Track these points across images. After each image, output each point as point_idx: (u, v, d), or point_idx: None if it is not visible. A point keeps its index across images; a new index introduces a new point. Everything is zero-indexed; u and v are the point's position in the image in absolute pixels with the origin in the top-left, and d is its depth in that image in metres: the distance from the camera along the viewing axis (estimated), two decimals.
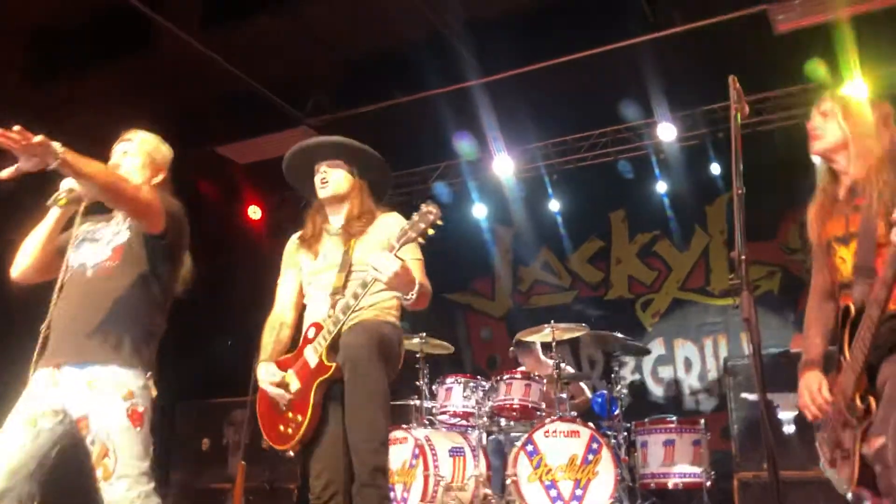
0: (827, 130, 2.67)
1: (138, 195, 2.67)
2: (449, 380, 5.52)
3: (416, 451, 5.10)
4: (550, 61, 6.14)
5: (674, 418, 5.51)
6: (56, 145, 2.39)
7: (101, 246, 2.81)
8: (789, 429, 5.05)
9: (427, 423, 5.53)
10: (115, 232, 2.84)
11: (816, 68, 5.98)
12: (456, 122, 7.13)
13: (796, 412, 5.01)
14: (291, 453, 2.92)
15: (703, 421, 5.49)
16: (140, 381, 2.65)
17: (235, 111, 7.26)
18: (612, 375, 5.62)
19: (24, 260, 2.78)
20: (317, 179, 3.19)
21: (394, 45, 6.35)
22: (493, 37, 6.03)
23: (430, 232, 2.69)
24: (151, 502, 2.56)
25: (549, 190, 7.98)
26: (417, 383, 5.62)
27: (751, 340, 2.11)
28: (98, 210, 2.89)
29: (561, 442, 4.80)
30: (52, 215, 2.77)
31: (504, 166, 7.62)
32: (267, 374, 2.97)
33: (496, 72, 6.34)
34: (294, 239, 3.26)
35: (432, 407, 5.58)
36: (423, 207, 2.72)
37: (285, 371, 2.98)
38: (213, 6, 6.01)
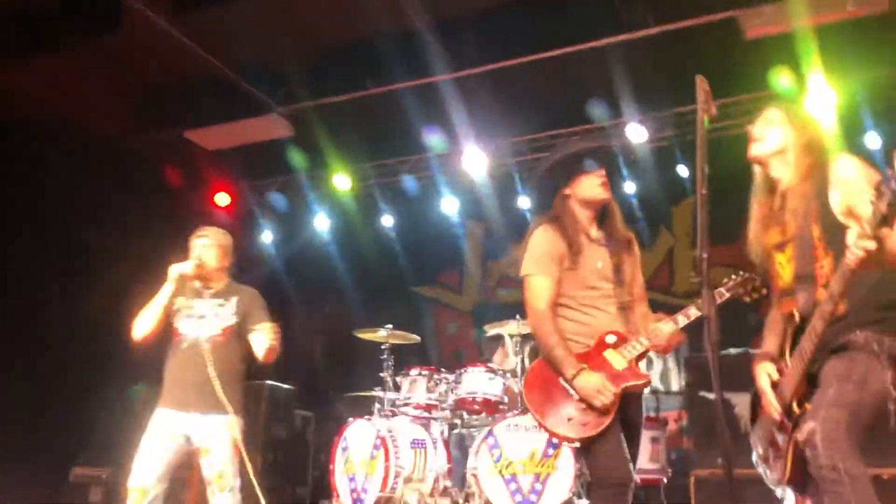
0: (768, 136, 2.74)
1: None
2: (413, 372, 5.53)
3: (378, 442, 5.11)
4: (521, 59, 6.15)
5: None
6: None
7: (209, 322, 3.79)
8: (745, 427, 5.13)
9: (390, 414, 5.54)
10: (219, 315, 3.82)
11: (781, 75, 6.09)
12: (427, 115, 7.13)
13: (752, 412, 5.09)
14: (578, 445, 2.94)
15: (662, 419, 5.56)
16: (241, 423, 3.74)
17: (205, 96, 7.19)
18: None
19: (145, 327, 3.78)
20: (597, 180, 3.16)
21: (367, 37, 6.32)
22: (464, 32, 6.02)
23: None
24: None
25: (519, 186, 8.02)
26: (381, 374, 5.63)
27: (709, 338, 2.15)
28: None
29: (523, 436, 4.83)
30: (165, 292, 3.77)
31: (475, 161, 7.63)
32: (595, 383, 2.86)
33: (467, 67, 6.33)
34: (554, 234, 3.11)
35: (396, 399, 5.58)
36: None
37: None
38: None
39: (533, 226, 3.22)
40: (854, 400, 2.30)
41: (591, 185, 3.16)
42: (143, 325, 3.80)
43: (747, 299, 2.96)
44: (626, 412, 2.94)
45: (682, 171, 7.38)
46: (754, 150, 2.77)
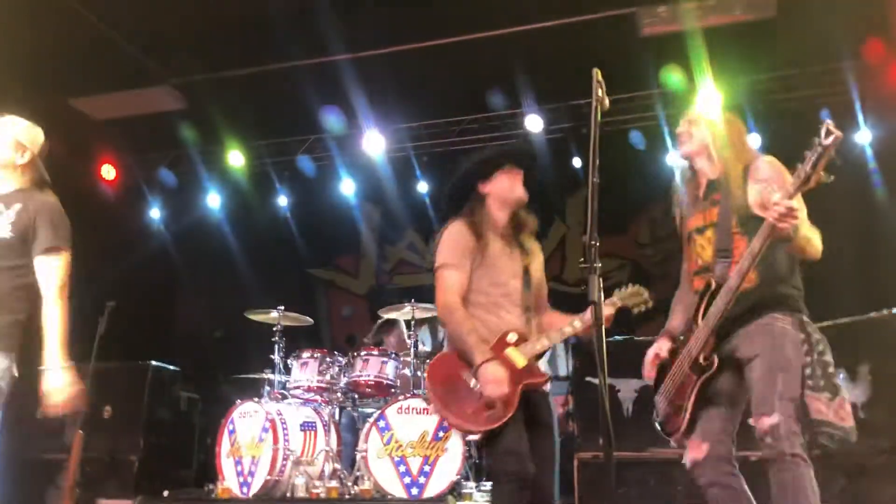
0: (694, 136, 3.08)
1: None
2: (305, 354, 5.45)
3: (267, 424, 5.03)
4: (421, 44, 6.12)
5: None
6: None
7: None
8: (628, 413, 5.34)
9: (280, 396, 5.45)
10: None
11: (673, 75, 6.33)
12: (326, 96, 7.02)
13: (635, 397, 5.31)
14: (478, 437, 2.96)
15: None
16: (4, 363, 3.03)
17: (94, 63, 6.83)
18: None
19: None
20: (515, 180, 3.29)
21: (266, 11, 6.14)
22: (365, 14, 5.93)
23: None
24: None
25: (418, 171, 8.04)
26: (272, 356, 5.54)
27: (595, 324, 2.21)
28: None
29: (413, 419, 4.86)
30: None
31: (375, 144, 7.60)
32: (498, 374, 2.94)
33: (366, 49, 6.25)
34: (468, 230, 3.20)
35: (286, 381, 5.50)
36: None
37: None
38: None
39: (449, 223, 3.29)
40: (798, 393, 2.70)
41: (509, 184, 3.29)
42: None
43: (635, 311, 3.19)
44: (537, 412, 3.10)
45: (577, 162, 7.59)
46: (684, 149, 3.12)
